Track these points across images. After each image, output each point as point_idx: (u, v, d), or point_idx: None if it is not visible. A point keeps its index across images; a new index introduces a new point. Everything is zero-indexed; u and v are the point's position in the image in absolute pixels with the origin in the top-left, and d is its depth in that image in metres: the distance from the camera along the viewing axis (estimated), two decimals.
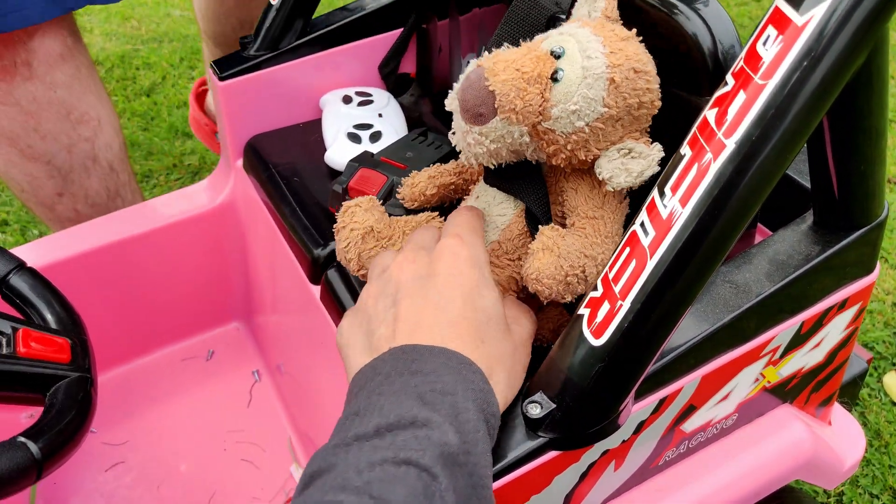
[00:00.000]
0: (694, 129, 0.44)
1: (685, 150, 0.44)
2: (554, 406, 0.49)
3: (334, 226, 0.62)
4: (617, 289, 0.46)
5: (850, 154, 0.52)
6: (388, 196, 0.73)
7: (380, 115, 0.89)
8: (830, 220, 0.57)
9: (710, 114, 0.43)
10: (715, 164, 0.42)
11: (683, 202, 0.43)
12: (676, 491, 0.59)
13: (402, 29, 0.96)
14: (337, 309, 0.74)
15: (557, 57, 0.51)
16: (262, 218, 0.92)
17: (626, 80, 0.50)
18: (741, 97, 0.42)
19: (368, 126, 0.87)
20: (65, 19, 0.96)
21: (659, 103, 0.53)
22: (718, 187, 0.42)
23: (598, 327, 0.47)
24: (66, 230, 0.96)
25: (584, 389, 0.47)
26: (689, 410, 0.56)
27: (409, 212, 0.68)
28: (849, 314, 0.61)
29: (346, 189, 0.74)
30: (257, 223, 0.96)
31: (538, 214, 0.55)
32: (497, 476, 0.49)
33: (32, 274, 0.58)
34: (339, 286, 0.74)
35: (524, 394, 0.50)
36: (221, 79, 0.87)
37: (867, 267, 0.59)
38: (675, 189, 0.44)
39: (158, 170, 1.77)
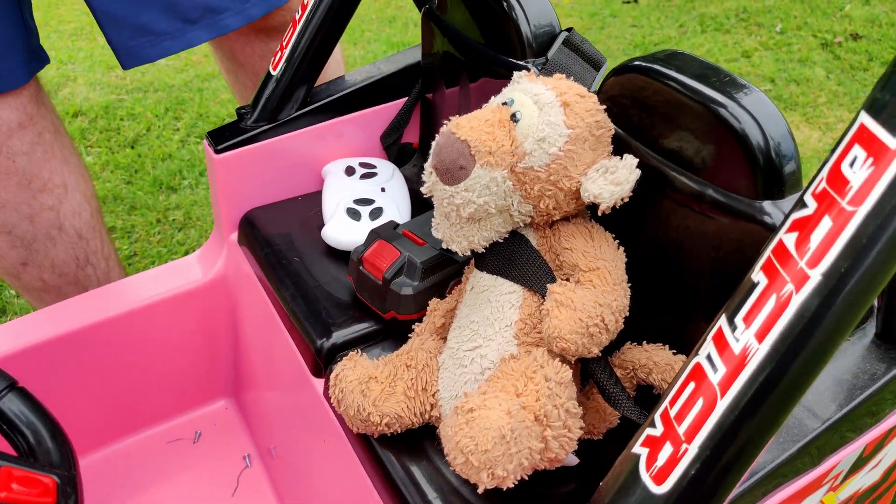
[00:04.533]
0: (768, 253, 0.39)
1: (758, 276, 0.39)
2: None
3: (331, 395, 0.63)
4: (681, 430, 0.40)
5: None
6: (398, 272, 0.68)
7: (382, 190, 0.84)
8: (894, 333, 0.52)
9: (787, 239, 0.39)
10: (798, 297, 0.37)
11: (760, 336, 0.38)
12: None
13: (406, 98, 0.92)
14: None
15: (510, 105, 0.55)
16: (257, 297, 0.86)
17: (576, 102, 0.54)
18: (826, 223, 0.37)
19: (370, 201, 0.82)
20: (26, 85, 0.90)
21: (612, 126, 0.56)
22: (802, 322, 0.37)
23: (660, 472, 0.41)
24: (46, 309, 0.89)
25: None
26: None
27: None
28: None
29: (361, 260, 0.70)
30: (252, 301, 0.90)
31: (540, 290, 0.55)
32: None
33: (23, 395, 0.51)
34: None
35: None
36: (217, 151, 0.82)
37: None
38: (748, 321, 0.39)
39: (141, 225, 1.70)
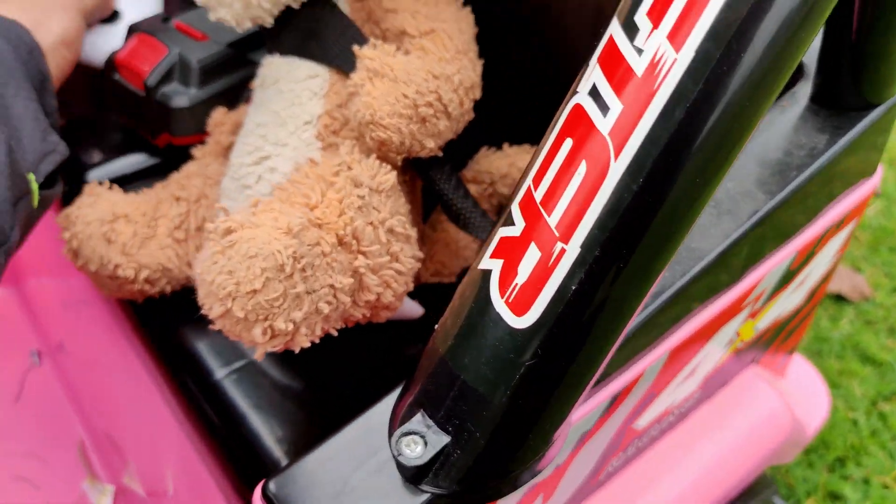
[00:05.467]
0: None
1: None
2: (448, 440, 0.27)
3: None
4: (552, 220, 0.24)
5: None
6: (166, 77, 0.48)
7: None
8: (836, 96, 0.37)
9: None
10: None
11: (680, 38, 0.22)
12: None
13: None
14: None
15: None
16: None
17: None
18: None
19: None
20: None
21: None
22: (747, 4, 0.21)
23: (521, 294, 0.25)
24: None
25: (500, 406, 0.26)
26: (646, 401, 0.37)
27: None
28: (843, 235, 0.43)
29: (114, 63, 0.49)
30: None
31: (350, 67, 0.37)
32: None
33: None
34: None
35: (392, 417, 0.29)
36: None
37: (872, 166, 0.41)
38: (655, 15, 0.22)
39: None
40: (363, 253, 0.33)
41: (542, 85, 0.46)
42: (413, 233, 0.36)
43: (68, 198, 0.47)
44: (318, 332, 0.32)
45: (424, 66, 0.35)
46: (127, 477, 0.70)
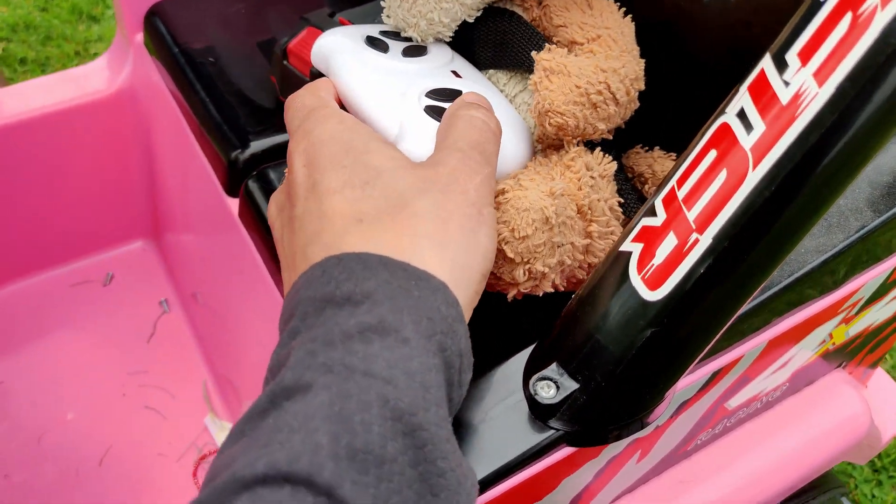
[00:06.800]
0: None
1: None
2: (577, 386, 0.33)
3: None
4: (691, 215, 0.30)
5: None
6: None
7: (456, 75, 0.45)
8: None
9: None
10: (884, 13, 0.25)
11: (823, 75, 0.26)
12: (705, 481, 0.45)
13: None
14: (259, 229, 0.56)
15: None
16: (168, 111, 0.72)
17: None
18: None
19: (453, 93, 0.41)
20: None
21: None
22: (886, 51, 0.26)
23: (656, 273, 0.30)
24: None
25: (625, 363, 0.32)
26: (740, 383, 0.41)
27: None
28: None
29: (285, 52, 0.56)
30: (163, 117, 0.76)
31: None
32: (487, 483, 0.33)
33: None
34: (262, 200, 0.56)
35: (528, 366, 0.34)
36: None
37: None
38: (806, 55, 0.27)
39: (57, 56, 1.52)
40: (594, 221, 0.38)
41: (675, 89, 0.50)
42: (621, 214, 0.41)
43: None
44: (557, 282, 0.37)
45: (593, 62, 0.40)
46: None
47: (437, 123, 0.37)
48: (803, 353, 0.44)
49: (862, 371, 0.55)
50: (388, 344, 0.26)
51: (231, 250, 0.67)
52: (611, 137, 0.42)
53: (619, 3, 0.45)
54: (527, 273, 0.35)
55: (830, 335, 0.45)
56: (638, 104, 0.42)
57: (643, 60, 0.42)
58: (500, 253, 0.35)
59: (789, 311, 0.39)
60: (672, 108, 0.49)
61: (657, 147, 0.49)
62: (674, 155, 0.47)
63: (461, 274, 0.30)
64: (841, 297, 0.41)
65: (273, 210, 0.36)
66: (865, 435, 0.52)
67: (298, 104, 0.36)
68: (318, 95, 0.37)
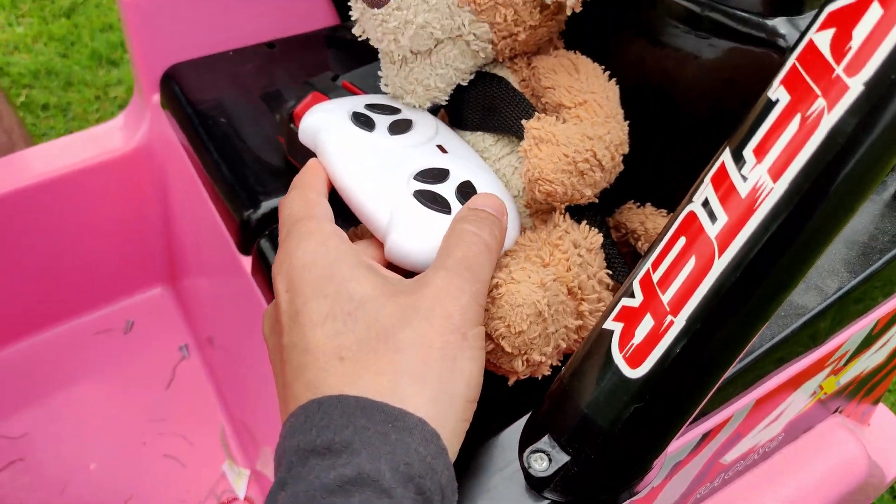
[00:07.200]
0: (792, 60, 0.29)
1: (777, 93, 0.29)
2: (568, 458, 0.35)
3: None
4: (665, 297, 0.31)
5: None
6: None
7: (442, 150, 0.45)
8: None
9: (819, 38, 0.28)
10: (830, 116, 0.27)
11: (777, 172, 0.28)
12: None
13: None
14: (272, 288, 0.58)
15: None
16: (183, 168, 0.75)
17: None
18: (875, 13, 0.27)
19: (443, 174, 0.42)
20: None
21: None
22: (835, 150, 0.27)
23: (636, 352, 0.32)
24: None
25: (613, 436, 0.33)
26: (733, 440, 0.43)
27: None
28: None
29: (291, 115, 0.59)
30: (178, 174, 0.79)
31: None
32: None
33: None
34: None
35: (523, 437, 0.36)
36: None
37: None
38: (760, 152, 0.29)
39: (78, 101, 1.56)
40: (584, 300, 0.40)
41: (661, 146, 0.52)
42: (611, 281, 0.42)
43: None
44: (554, 362, 0.40)
45: (580, 130, 0.42)
46: (260, 463, 0.80)
47: (426, 210, 0.38)
48: (795, 405, 0.45)
49: (862, 411, 0.56)
50: (367, 497, 0.27)
51: (245, 303, 0.69)
52: (597, 201, 0.44)
53: (603, 67, 0.47)
54: (525, 363, 0.37)
55: (821, 386, 0.46)
56: (622, 167, 0.44)
57: (627, 123, 0.44)
58: (498, 346, 0.37)
59: (774, 371, 0.41)
60: (658, 163, 0.50)
61: (648, 203, 0.50)
62: (664, 211, 0.49)
63: (443, 405, 0.31)
64: (826, 353, 0.42)
65: (266, 328, 0.37)
66: (866, 476, 0.53)
67: (287, 212, 0.36)
68: (307, 199, 0.36)
